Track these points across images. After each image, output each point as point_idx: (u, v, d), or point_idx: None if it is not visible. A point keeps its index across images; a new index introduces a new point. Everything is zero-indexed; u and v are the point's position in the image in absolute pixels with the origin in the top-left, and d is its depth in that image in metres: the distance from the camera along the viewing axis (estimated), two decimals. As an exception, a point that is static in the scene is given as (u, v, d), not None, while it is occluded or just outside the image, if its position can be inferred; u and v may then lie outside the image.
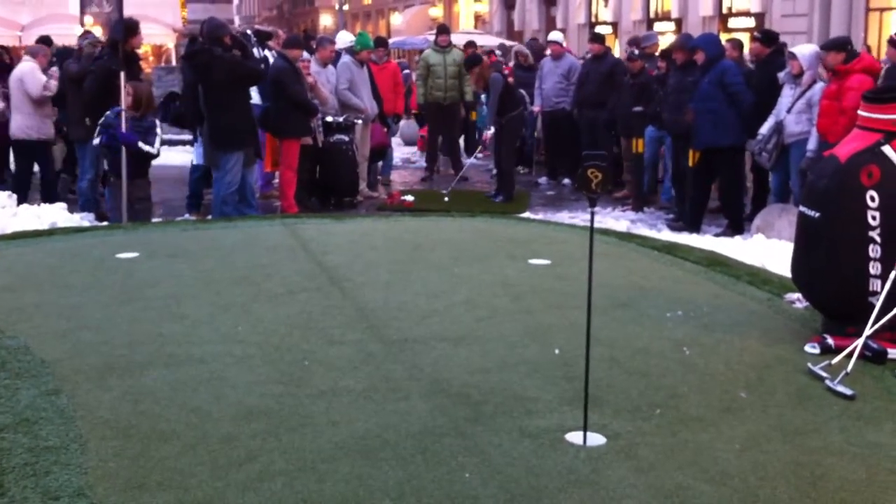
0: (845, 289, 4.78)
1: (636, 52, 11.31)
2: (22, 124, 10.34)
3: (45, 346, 4.67)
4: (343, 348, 4.70)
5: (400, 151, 15.29)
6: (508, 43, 20.23)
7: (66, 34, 14.81)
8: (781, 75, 8.97)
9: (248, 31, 10.93)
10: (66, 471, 3.34)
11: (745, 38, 16.46)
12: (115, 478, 3.30)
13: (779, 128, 8.69)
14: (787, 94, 8.77)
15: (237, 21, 22.56)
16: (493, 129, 11.22)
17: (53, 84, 10.31)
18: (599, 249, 6.52)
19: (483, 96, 13.08)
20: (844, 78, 7.97)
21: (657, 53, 11.75)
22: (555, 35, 13.64)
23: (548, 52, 13.46)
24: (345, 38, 12.25)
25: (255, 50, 10.30)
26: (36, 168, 10.93)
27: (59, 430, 3.68)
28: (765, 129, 8.82)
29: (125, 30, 9.14)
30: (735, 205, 9.48)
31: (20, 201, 9.69)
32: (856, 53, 8.42)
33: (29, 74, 10.32)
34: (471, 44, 15.25)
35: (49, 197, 10.31)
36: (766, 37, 10.09)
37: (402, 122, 15.03)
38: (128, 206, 8.63)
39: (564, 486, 3.31)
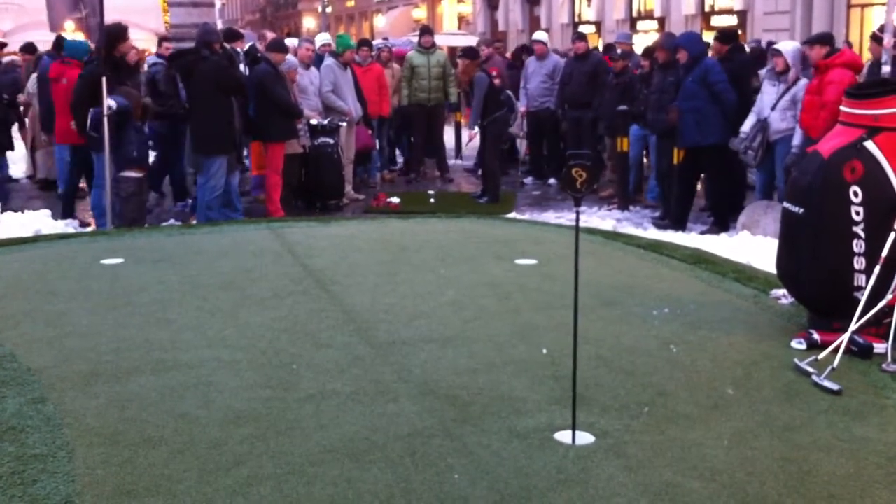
0: (830, 284, 4.80)
1: (619, 51, 11.33)
2: None
3: (32, 353, 4.66)
4: (330, 351, 4.70)
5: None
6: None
7: (49, 40, 14.73)
8: (762, 72, 9.01)
9: (239, 50, 10.85)
10: (54, 479, 3.32)
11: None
12: (103, 485, 3.29)
13: (764, 125, 8.72)
14: (769, 91, 8.79)
15: (220, 24, 22.42)
16: (477, 128, 11.21)
17: None
18: (585, 248, 6.53)
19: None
20: (825, 72, 8.02)
21: (640, 53, 11.77)
22: (539, 35, 13.64)
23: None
24: (322, 39, 12.26)
25: (242, 66, 10.28)
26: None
27: (46, 437, 3.66)
28: (747, 126, 8.85)
29: (112, 35, 9.10)
30: (721, 202, 9.49)
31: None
32: (838, 48, 8.46)
33: None
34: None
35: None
36: (724, 35, 10.20)
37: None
38: (119, 205, 8.66)
39: (554, 485, 3.31)
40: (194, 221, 9.30)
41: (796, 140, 8.37)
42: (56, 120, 10.18)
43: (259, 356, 4.64)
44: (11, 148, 12.30)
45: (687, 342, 4.85)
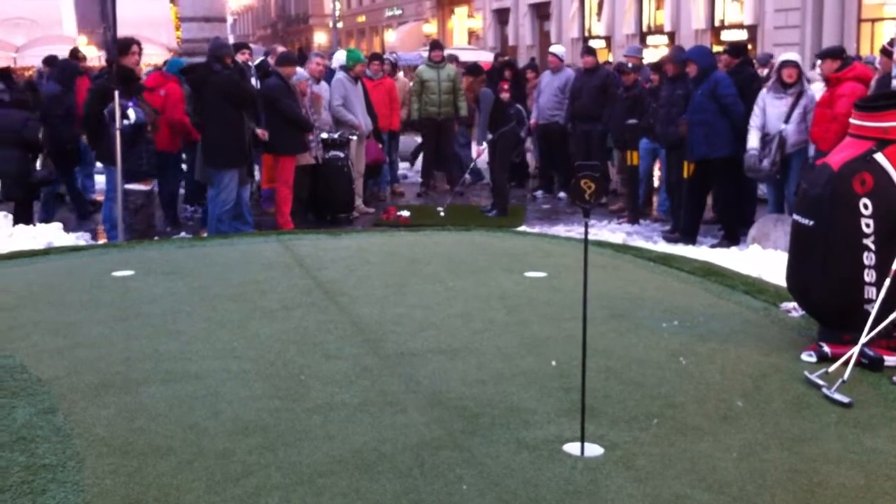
0: (840, 297, 4.78)
1: (629, 65, 11.36)
2: None
3: (42, 364, 4.67)
4: (339, 362, 4.70)
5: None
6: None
7: (61, 55, 14.83)
8: (768, 84, 9.02)
9: (250, 63, 10.90)
10: (63, 489, 3.33)
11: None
12: (112, 495, 3.30)
13: (782, 140, 8.68)
14: (774, 104, 8.76)
15: (231, 39, 22.53)
16: (484, 145, 11.23)
17: None
18: (595, 261, 6.52)
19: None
20: (837, 85, 8.02)
21: (648, 65, 11.80)
22: (555, 48, 13.63)
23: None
24: (340, 57, 12.29)
25: (253, 79, 10.34)
26: None
27: (56, 447, 3.67)
28: (755, 142, 8.79)
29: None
30: (731, 215, 9.48)
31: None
32: (850, 62, 8.47)
33: None
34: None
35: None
36: (734, 49, 10.26)
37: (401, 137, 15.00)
38: (128, 217, 8.71)
39: (562, 497, 3.30)
40: (205, 234, 9.34)
41: (812, 151, 8.37)
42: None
43: (268, 367, 4.64)
44: (73, 164, 11.56)
45: (696, 354, 4.83)
